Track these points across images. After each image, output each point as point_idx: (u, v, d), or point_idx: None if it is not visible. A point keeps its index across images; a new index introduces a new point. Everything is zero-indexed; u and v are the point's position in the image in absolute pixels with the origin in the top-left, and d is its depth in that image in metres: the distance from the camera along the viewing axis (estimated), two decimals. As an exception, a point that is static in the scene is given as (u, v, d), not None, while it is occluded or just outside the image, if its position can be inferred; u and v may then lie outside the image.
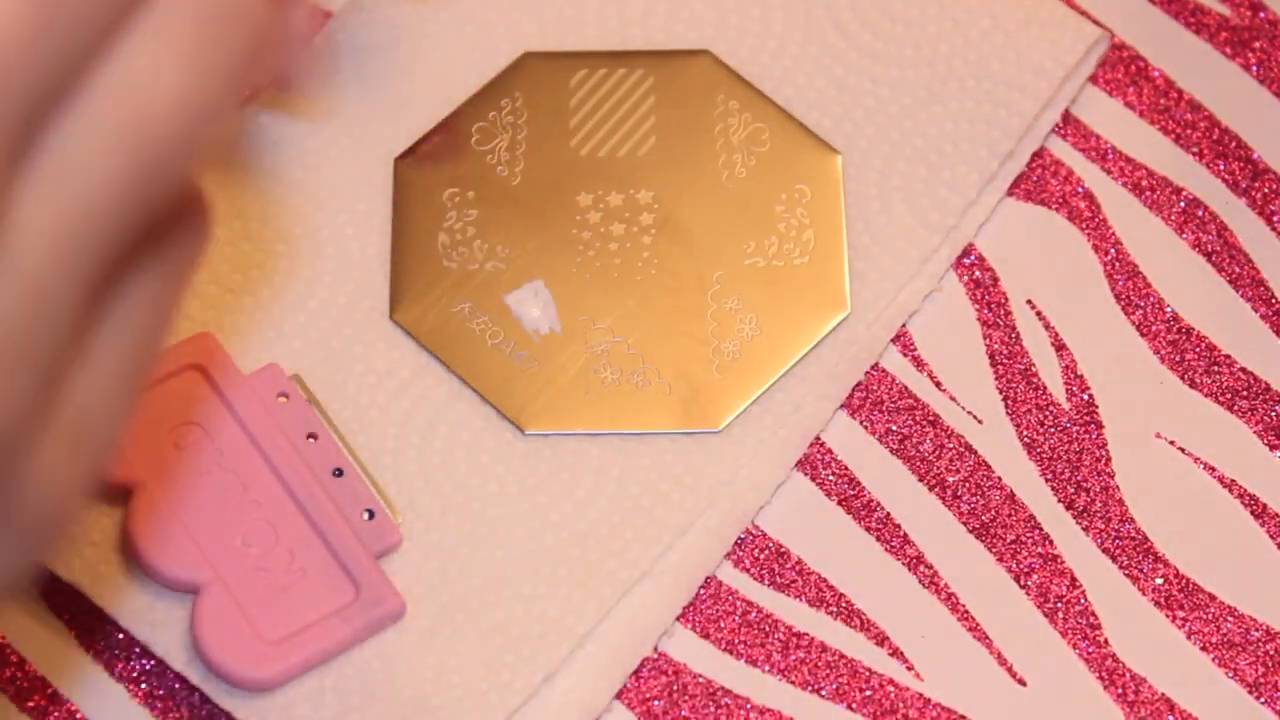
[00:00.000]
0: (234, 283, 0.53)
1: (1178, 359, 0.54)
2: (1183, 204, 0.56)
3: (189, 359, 0.51)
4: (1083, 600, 0.51)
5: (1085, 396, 0.53)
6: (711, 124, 0.55)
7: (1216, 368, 0.54)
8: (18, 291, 0.32)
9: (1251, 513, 0.52)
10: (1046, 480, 0.52)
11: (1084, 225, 0.55)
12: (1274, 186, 0.56)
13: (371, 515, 0.50)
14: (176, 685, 0.50)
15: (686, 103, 0.55)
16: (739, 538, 0.52)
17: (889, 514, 0.52)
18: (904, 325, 0.54)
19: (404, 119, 0.55)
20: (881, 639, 0.51)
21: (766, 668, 0.50)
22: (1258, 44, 0.58)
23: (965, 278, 0.55)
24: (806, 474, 0.52)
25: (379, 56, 0.56)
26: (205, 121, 0.33)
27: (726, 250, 0.54)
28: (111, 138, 0.32)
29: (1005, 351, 0.54)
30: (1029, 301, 0.55)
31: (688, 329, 0.53)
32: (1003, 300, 0.55)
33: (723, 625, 0.51)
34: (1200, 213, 0.56)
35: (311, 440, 0.51)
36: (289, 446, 0.50)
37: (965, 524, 0.52)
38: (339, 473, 0.50)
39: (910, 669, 0.50)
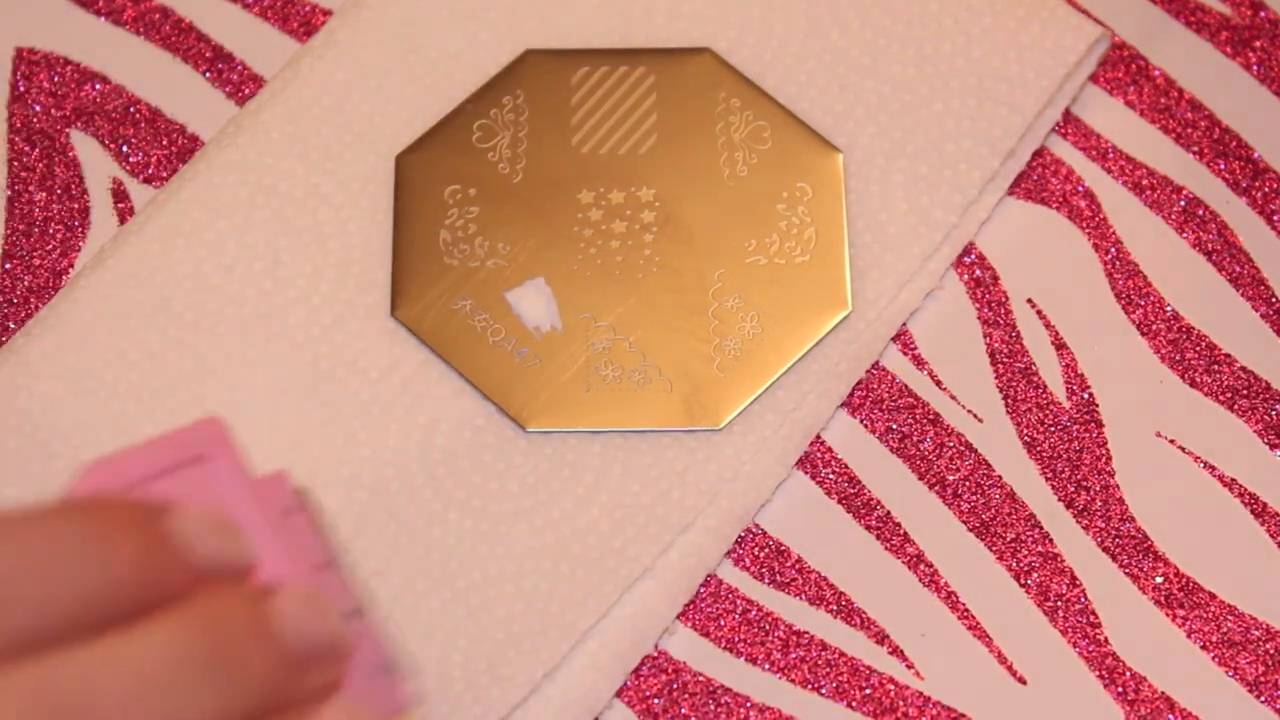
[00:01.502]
0: (238, 278, 0.53)
1: (1178, 358, 0.54)
2: (1183, 203, 0.56)
3: (192, 449, 0.41)
4: (1083, 599, 0.51)
5: (1085, 395, 0.53)
6: (713, 122, 0.55)
7: (1216, 367, 0.54)
8: None
9: (1251, 512, 0.52)
10: (1046, 479, 0.52)
11: (1084, 224, 0.56)
12: (1274, 186, 0.56)
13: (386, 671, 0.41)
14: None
15: (688, 101, 0.56)
16: (739, 536, 0.52)
17: (889, 512, 0.52)
18: (905, 324, 0.54)
19: (406, 116, 0.55)
20: (881, 637, 0.51)
21: (766, 666, 0.50)
22: (1258, 43, 0.58)
23: (966, 276, 0.55)
24: (807, 472, 0.52)
25: (381, 55, 0.56)
26: None
27: (728, 248, 0.54)
28: None
29: (1005, 350, 0.54)
30: (1029, 300, 0.55)
31: (689, 327, 0.53)
32: (1003, 299, 0.55)
33: (723, 624, 0.51)
34: (1200, 212, 0.56)
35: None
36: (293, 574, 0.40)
37: (965, 523, 0.52)
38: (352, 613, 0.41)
39: (910, 667, 0.50)
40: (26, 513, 0.34)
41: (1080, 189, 0.56)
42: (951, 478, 0.52)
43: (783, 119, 0.55)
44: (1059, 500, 0.52)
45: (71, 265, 0.55)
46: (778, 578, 0.51)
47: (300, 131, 0.55)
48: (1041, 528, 0.52)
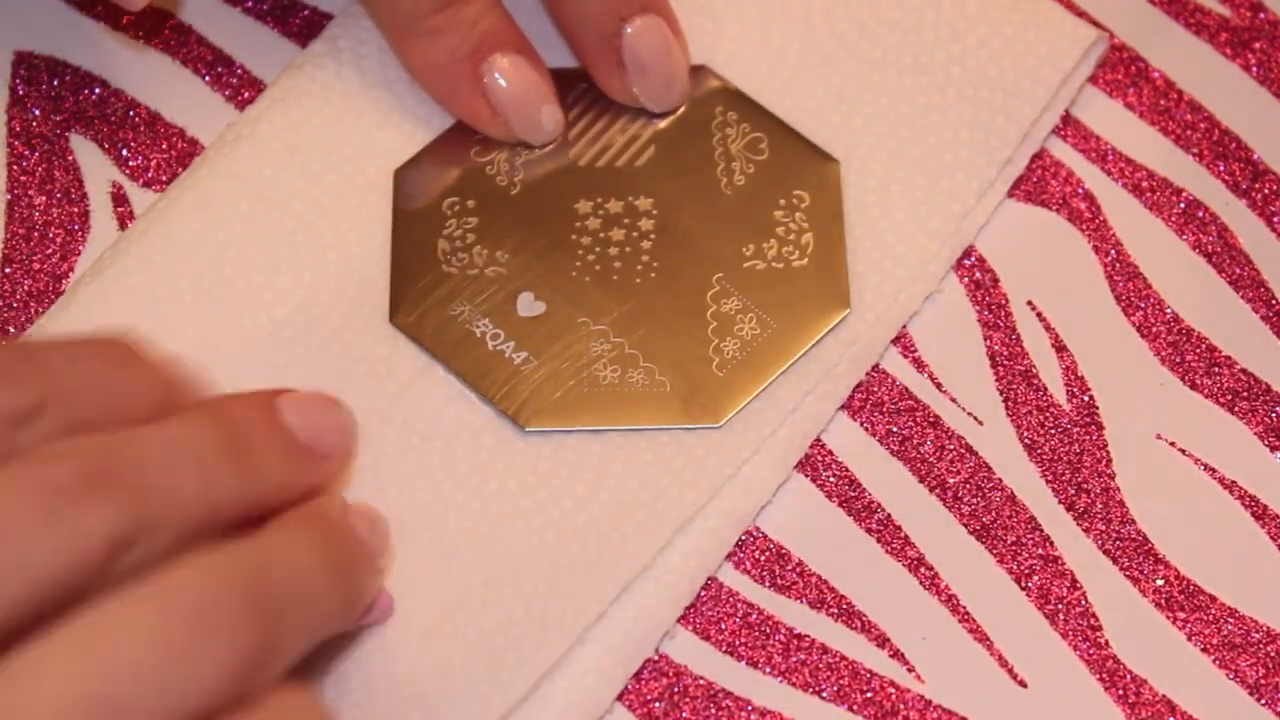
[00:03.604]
0: (237, 290, 0.53)
1: (1178, 360, 0.54)
2: (1183, 205, 0.56)
3: None
4: (1083, 601, 0.51)
5: (1086, 397, 0.53)
6: (710, 134, 0.56)
7: (1217, 369, 0.54)
8: None
9: (1252, 514, 0.52)
10: (1047, 481, 0.52)
11: (1084, 226, 0.55)
12: (1274, 187, 0.56)
13: None
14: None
15: (685, 114, 0.56)
16: (739, 539, 0.52)
17: (889, 515, 0.52)
18: (904, 326, 0.54)
19: (406, 129, 0.55)
20: (882, 641, 0.51)
21: (767, 669, 0.50)
22: (1258, 44, 0.58)
23: (966, 279, 0.55)
24: (807, 475, 0.52)
25: (381, 65, 0.56)
26: None
27: (726, 254, 0.54)
28: None
29: (1006, 352, 0.54)
30: (1029, 302, 0.55)
31: (687, 329, 0.53)
32: (1003, 301, 0.55)
33: (723, 627, 0.51)
34: (1200, 214, 0.56)
35: None
36: None
37: (966, 525, 0.52)
38: None
39: (911, 671, 0.50)
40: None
41: (1080, 191, 0.56)
42: (952, 480, 0.52)
43: (779, 130, 0.55)
44: (1059, 503, 0.52)
45: (71, 269, 0.55)
46: (778, 581, 0.51)
47: (301, 142, 0.55)
48: (1042, 530, 0.52)
